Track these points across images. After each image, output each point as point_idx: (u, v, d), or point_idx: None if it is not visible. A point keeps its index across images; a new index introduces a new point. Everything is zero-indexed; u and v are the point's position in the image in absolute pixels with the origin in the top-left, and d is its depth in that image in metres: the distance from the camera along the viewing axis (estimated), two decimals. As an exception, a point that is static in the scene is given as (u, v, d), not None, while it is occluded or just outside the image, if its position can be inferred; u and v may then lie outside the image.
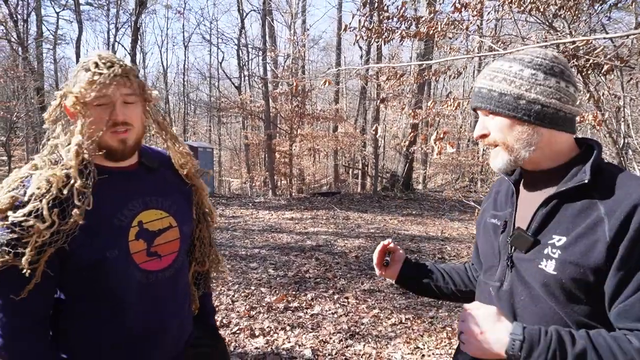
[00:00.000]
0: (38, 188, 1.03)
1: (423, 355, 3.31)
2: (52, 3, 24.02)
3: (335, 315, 4.04)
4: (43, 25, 23.08)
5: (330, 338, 3.58)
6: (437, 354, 3.34)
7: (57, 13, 25.69)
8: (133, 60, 24.13)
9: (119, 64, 1.11)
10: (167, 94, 29.88)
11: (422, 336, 3.63)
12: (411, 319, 3.98)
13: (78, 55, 23.39)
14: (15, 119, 21.91)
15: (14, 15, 20.75)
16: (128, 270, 1.12)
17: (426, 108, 7.29)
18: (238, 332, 3.67)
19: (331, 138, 16.73)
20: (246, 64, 22.13)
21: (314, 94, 18.44)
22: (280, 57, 18.03)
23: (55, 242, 1.02)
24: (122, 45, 28.57)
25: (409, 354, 3.33)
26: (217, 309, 4.19)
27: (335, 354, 3.31)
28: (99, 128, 1.10)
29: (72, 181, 1.05)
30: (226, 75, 22.97)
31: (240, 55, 21.91)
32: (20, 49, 20.88)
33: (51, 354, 1.12)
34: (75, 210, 1.03)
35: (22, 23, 21.69)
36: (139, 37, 24.69)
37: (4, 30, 20.27)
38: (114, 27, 26.32)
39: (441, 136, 3.43)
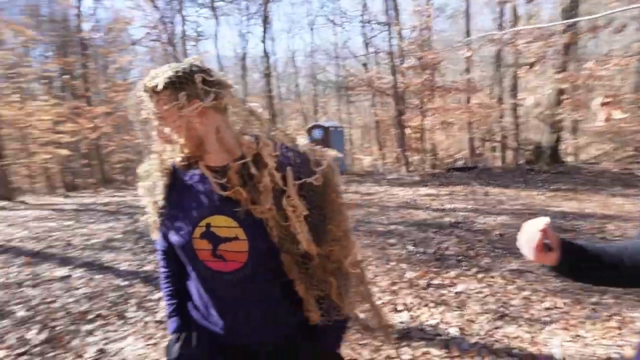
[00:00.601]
0: (158, 170, 1.32)
1: (586, 345, 3.01)
2: (193, 3, 26.42)
3: (481, 295, 3.87)
4: (186, 25, 25.57)
5: (477, 318, 3.44)
6: (603, 345, 3.00)
7: (197, 12, 28.13)
8: (264, 48, 25.59)
9: (149, 84, 1.13)
10: (297, 77, 31.16)
11: (583, 323, 3.30)
12: (569, 303, 3.64)
13: (217, 49, 25.46)
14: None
15: (163, 19, 23.29)
16: (195, 262, 1.24)
17: (578, 70, 6.45)
18: (382, 305, 3.73)
19: (465, 110, 15.85)
20: (371, 40, 21.91)
21: (443, 65, 17.57)
22: (406, 30, 17.49)
23: (155, 214, 1.30)
24: (253, 34, 30.25)
25: (569, 341, 3.06)
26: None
27: (484, 335, 3.18)
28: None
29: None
30: (351, 53, 23.07)
31: (365, 32, 21.79)
32: (169, 48, 23.45)
33: (168, 284, 1.40)
34: (157, 191, 1.29)
35: (169, 25, 24.21)
36: (268, 25, 26.00)
37: (156, 33, 22.91)
38: (246, 19, 28.12)
39: (607, 100, 2.99)
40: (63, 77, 16.76)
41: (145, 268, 5.07)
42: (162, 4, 22.58)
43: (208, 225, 1.18)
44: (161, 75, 1.12)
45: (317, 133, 16.09)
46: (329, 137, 16.06)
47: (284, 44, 61.90)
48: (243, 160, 1.16)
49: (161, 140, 1.19)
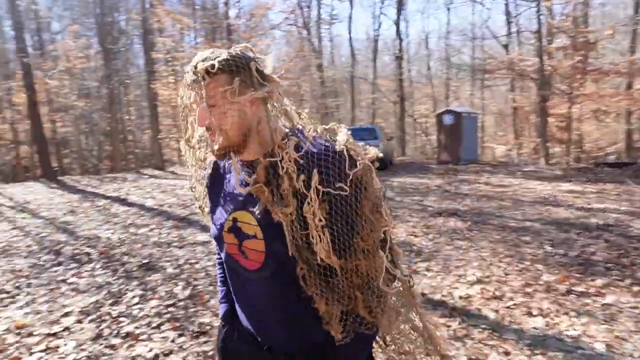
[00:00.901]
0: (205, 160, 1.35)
1: None
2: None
3: (636, 311, 3.34)
4: (321, 9, 26.08)
5: (631, 336, 2.98)
6: None
7: (334, -5, 28.46)
8: (397, 30, 25.09)
9: (196, 67, 1.05)
10: (429, 59, 30.07)
11: None
12: None
13: (350, 32, 25.63)
14: (302, 92, 25.92)
15: (300, 3, 24.07)
16: (226, 255, 1.22)
17: None
18: (513, 307, 3.43)
19: (624, 97, 13.79)
20: (515, 19, 20.13)
21: (600, 45, 15.44)
22: (557, 5, 15.67)
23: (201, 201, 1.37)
24: (386, 16, 29.81)
25: None
26: (488, 278, 4.03)
27: (638, 357, 2.74)
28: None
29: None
30: (492, 33, 21.49)
31: (509, 10, 20.06)
32: (304, 32, 24.21)
33: (220, 270, 1.42)
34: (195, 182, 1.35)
35: (305, 9, 24.95)
36: (402, 6, 25.39)
37: (293, 18, 23.80)
38: (380, 0, 27.77)
39: None
40: (210, 60, 18.27)
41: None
42: (299, -11, 23.41)
43: (235, 220, 1.16)
44: (214, 57, 1.04)
45: (448, 119, 15.40)
46: (460, 123, 15.26)
47: (417, 25, 60.07)
48: (273, 159, 1.07)
49: (202, 127, 1.12)
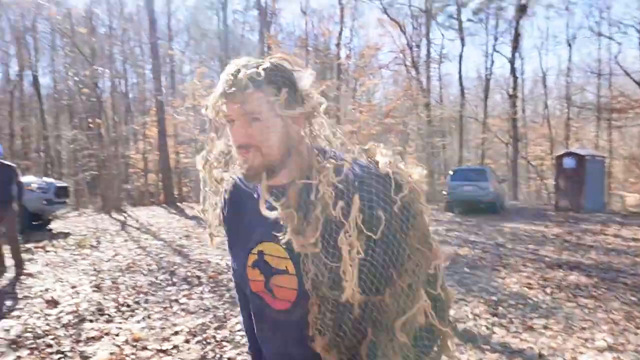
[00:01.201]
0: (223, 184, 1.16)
1: None
2: (439, 27, 26.76)
3: None
4: (430, 48, 25.98)
5: None
6: None
7: (443, 35, 28.31)
8: (511, 67, 24.01)
9: (236, 76, 0.92)
10: (546, 98, 28.19)
11: None
12: None
13: (460, 70, 25.13)
14: (408, 131, 25.73)
15: (409, 43, 24.23)
16: (248, 291, 1.08)
17: None
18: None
19: None
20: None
21: None
22: None
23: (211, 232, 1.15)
24: (500, 53, 28.72)
25: None
26: (622, 347, 3.46)
27: None
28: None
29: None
30: (623, 70, 19.55)
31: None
32: (413, 71, 24.21)
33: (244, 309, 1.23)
34: (208, 208, 1.13)
35: (415, 49, 25.02)
36: (518, 43, 24.32)
37: (402, 57, 23.99)
38: (493, 37, 26.94)
39: None
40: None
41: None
42: (410, 29, 23.66)
43: (261, 253, 1.01)
44: (256, 65, 0.92)
45: (569, 162, 14.12)
46: (583, 167, 13.90)
47: (533, 62, 57.01)
48: (309, 181, 0.94)
49: (239, 144, 0.94)
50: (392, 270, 0.90)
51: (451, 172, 15.60)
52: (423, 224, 0.92)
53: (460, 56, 25.31)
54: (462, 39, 25.22)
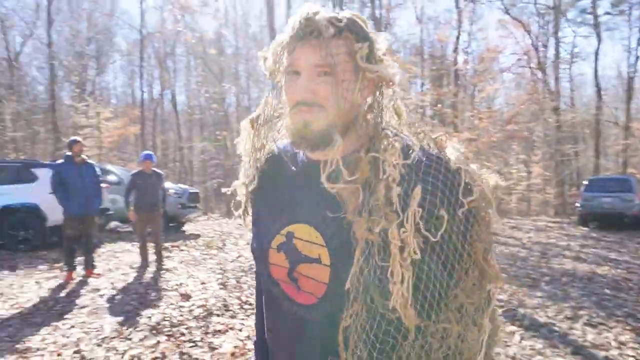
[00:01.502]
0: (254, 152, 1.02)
1: None
2: (569, 23, 24.35)
3: None
4: (559, 47, 23.75)
5: None
6: None
7: (574, 32, 25.77)
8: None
9: (310, 20, 0.77)
10: None
11: None
12: None
13: (596, 70, 22.64)
14: (534, 138, 23.77)
15: (534, 44, 22.44)
16: (266, 277, 0.92)
17: None
18: None
19: None
20: None
21: None
22: None
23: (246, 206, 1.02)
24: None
25: None
26: None
27: None
28: (285, 104, 0.86)
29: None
30: None
31: None
32: (539, 73, 22.36)
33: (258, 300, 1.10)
34: (236, 181, 1.01)
35: (541, 49, 23.09)
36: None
37: (526, 59, 22.29)
38: (638, 30, 23.81)
39: None
40: (435, 106, 18.59)
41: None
42: (535, 29, 21.95)
43: (290, 235, 0.86)
44: (336, 13, 0.80)
45: None
46: None
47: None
48: (376, 155, 0.78)
49: (301, 99, 0.79)
50: (452, 286, 0.72)
51: (586, 182, 14.05)
52: (489, 237, 0.76)
53: (596, 54, 22.75)
54: (599, 35, 22.67)
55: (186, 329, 3.92)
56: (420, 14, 23.23)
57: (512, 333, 3.81)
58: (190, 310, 4.45)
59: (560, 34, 23.49)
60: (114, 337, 3.69)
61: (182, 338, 3.70)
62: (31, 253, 7.78)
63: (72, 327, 3.98)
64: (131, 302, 4.75)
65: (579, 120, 23.70)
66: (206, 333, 3.82)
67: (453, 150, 0.80)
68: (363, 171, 0.77)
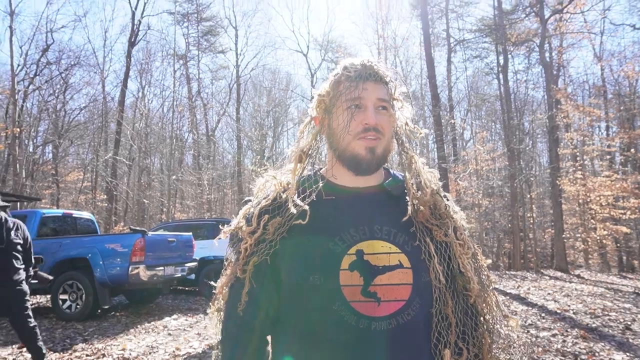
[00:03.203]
0: (262, 194, 1.07)
1: None
2: None
3: None
4: None
5: None
6: None
7: None
8: None
9: (372, 65, 1.00)
10: None
11: None
12: None
13: None
14: None
15: None
16: (335, 304, 0.90)
17: None
18: None
19: None
20: None
21: None
22: None
23: (259, 251, 0.97)
24: None
25: None
26: None
27: None
28: (344, 132, 0.98)
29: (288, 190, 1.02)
30: None
31: None
32: None
33: None
34: (274, 220, 0.98)
35: None
36: None
37: None
38: None
39: None
40: (626, 151, 16.12)
41: None
42: None
43: (360, 253, 0.94)
44: (373, 63, 1.01)
45: None
46: None
47: None
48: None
49: (374, 124, 0.97)
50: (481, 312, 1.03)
51: None
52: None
53: None
54: None
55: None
56: (600, 51, 20.96)
57: None
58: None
59: None
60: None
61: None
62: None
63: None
64: None
65: None
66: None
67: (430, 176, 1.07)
68: (423, 199, 1.01)
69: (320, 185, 1.00)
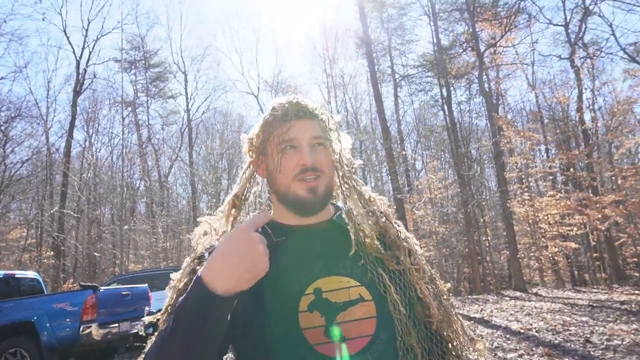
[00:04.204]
0: (200, 247, 1.02)
1: None
2: None
3: None
4: None
5: None
6: None
7: None
8: None
9: (299, 102, 0.96)
10: None
11: None
12: None
13: None
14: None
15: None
16: (298, 351, 0.84)
17: None
18: None
19: None
20: None
21: None
22: None
23: None
24: None
25: None
26: None
27: None
28: (280, 175, 0.95)
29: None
30: None
31: None
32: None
33: None
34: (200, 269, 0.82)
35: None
36: None
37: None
38: None
39: None
40: (567, 171, 17.10)
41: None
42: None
43: (318, 291, 0.89)
44: (301, 100, 0.98)
45: None
46: None
47: None
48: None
49: (311, 165, 0.93)
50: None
51: None
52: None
53: None
54: None
55: None
56: (532, 80, 22.47)
57: None
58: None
59: None
60: None
61: None
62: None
63: None
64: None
65: None
66: None
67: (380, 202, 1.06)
68: (374, 224, 0.98)
69: (267, 229, 0.93)
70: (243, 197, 1.05)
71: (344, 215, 1.00)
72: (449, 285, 1.04)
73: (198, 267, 0.92)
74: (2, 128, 21.07)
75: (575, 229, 15.63)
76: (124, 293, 7.64)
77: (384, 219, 1.01)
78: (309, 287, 0.88)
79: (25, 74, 23.60)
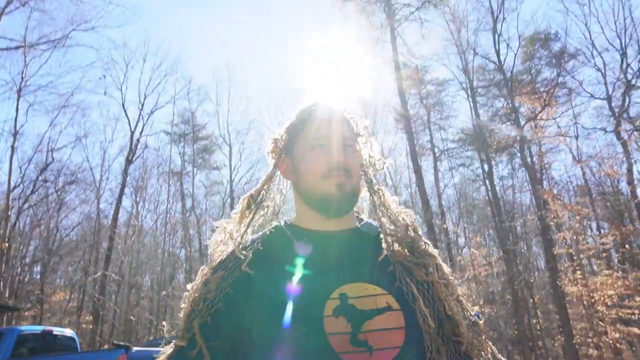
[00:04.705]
0: (216, 255, 0.99)
1: None
2: None
3: None
4: None
5: None
6: None
7: None
8: None
9: (329, 105, 0.98)
10: None
11: None
12: None
13: None
14: None
15: None
16: (322, 357, 0.78)
17: None
18: None
19: None
20: None
21: None
22: None
23: (206, 310, 0.88)
24: None
25: None
26: None
27: None
28: (311, 173, 0.94)
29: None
30: None
31: None
32: None
33: None
34: (216, 275, 0.90)
35: None
36: None
37: None
38: None
39: None
40: (621, 248, 16.08)
41: None
42: None
43: (344, 297, 0.84)
44: (333, 105, 1.01)
45: None
46: None
47: None
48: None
49: (341, 163, 0.92)
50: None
51: None
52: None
53: None
54: None
55: None
56: (578, 154, 21.95)
57: None
58: None
59: None
60: None
61: None
62: None
63: None
64: None
65: None
66: None
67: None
68: (404, 231, 0.94)
69: (288, 232, 0.95)
70: (259, 198, 1.03)
71: (371, 224, 0.99)
72: (476, 308, 1.00)
73: (212, 278, 0.91)
74: (59, 193, 22.38)
75: (637, 312, 14.33)
76: (155, 355, 7.50)
77: (410, 227, 0.96)
78: (334, 292, 0.84)
79: (84, 143, 25.34)
